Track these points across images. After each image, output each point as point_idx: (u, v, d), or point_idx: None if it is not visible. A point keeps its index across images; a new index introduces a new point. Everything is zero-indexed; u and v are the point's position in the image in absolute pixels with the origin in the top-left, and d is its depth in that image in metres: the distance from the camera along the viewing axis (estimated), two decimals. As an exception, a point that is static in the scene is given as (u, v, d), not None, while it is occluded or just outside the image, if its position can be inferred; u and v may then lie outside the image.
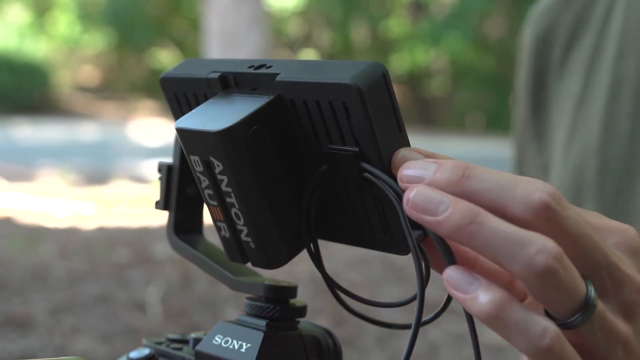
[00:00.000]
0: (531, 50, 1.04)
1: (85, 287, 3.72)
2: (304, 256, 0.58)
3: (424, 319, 0.52)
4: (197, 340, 0.59)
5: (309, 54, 14.33)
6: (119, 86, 15.74)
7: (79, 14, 15.33)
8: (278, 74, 0.52)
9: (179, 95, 0.58)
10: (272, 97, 0.52)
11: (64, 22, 15.29)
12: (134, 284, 3.80)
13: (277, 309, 0.56)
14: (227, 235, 0.56)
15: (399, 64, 13.76)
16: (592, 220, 0.50)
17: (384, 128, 0.49)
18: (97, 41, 15.36)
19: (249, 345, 0.55)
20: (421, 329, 0.50)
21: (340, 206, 0.54)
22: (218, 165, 0.52)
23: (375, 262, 4.20)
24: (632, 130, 0.90)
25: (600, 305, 0.47)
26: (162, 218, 4.67)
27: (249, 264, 0.57)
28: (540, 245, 0.45)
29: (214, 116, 0.52)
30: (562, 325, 0.47)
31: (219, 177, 0.53)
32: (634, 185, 0.90)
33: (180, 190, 0.61)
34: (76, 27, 15.35)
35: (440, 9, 14.25)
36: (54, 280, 3.81)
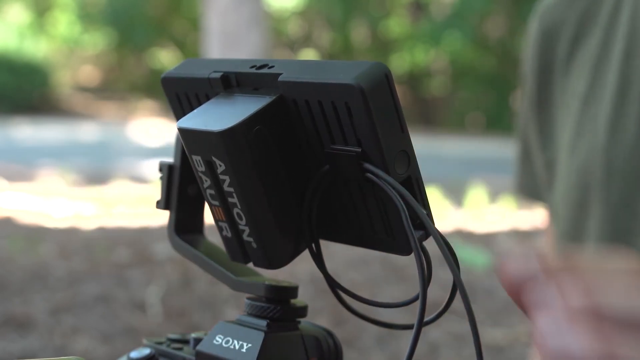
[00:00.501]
0: (537, 45, 1.03)
1: (85, 287, 3.72)
2: (304, 256, 0.58)
3: (425, 319, 0.51)
4: (197, 340, 0.59)
5: (309, 54, 14.33)
6: (119, 86, 15.74)
7: (79, 14, 15.34)
8: (280, 74, 0.52)
9: (180, 95, 0.58)
10: (274, 97, 0.52)
11: (64, 22, 15.29)
12: (134, 284, 3.80)
13: (278, 309, 0.56)
14: (229, 235, 0.56)
15: (399, 64, 13.76)
16: None
17: (386, 128, 0.49)
18: (97, 41, 15.36)
19: (249, 345, 0.55)
20: (422, 329, 0.50)
21: (342, 206, 0.54)
22: (220, 165, 0.52)
23: (375, 262, 4.20)
24: (639, 131, 0.90)
25: None
26: (162, 218, 4.69)
27: (250, 264, 0.57)
28: None
29: (216, 116, 0.52)
30: None
31: (221, 177, 0.52)
32: None
33: (181, 189, 0.61)
34: (76, 27, 15.35)
35: (440, 9, 14.26)
36: (54, 280, 3.80)
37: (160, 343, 0.61)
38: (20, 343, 3.11)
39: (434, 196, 5.92)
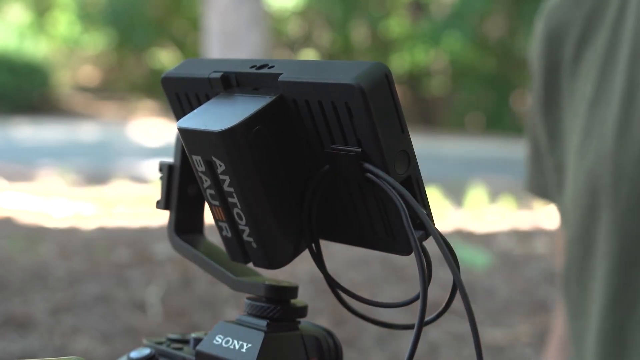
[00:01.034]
0: (543, 45, 1.02)
1: (85, 287, 3.72)
2: (304, 256, 0.58)
3: (425, 319, 0.51)
4: (197, 340, 0.59)
5: (309, 54, 14.32)
6: (119, 86, 15.74)
7: (79, 14, 15.33)
8: (280, 74, 0.52)
9: (180, 95, 0.58)
10: (274, 97, 0.52)
11: (64, 22, 15.29)
12: (134, 284, 3.80)
13: (278, 309, 0.56)
14: (229, 235, 0.56)
15: (399, 64, 13.76)
16: None
17: (386, 128, 0.49)
18: (97, 41, 15.36)
19: (249, 345, 0.55)
20: (422, 329, 0.50)
21: (342, 206, 0.54)
22: (220, 165, 0.52)
23: (375, 262, 4.20)
24: None
25: None
26: (162, 218, 4.68)
27: (250, 264, 0.57)
28: None
29: (216, 116, 0.52)
30: None
31: (221, 177, 0.53)
32: None
33: (181, 189, 0.61)
34: (76, 27, 15.34)
35: (440, 9, 14.25)
36: (54, 280, 3.80)
37: (160, 343, 0.61)
38: (20, 343, 3.11)
39: (434, 196, 5.92)
